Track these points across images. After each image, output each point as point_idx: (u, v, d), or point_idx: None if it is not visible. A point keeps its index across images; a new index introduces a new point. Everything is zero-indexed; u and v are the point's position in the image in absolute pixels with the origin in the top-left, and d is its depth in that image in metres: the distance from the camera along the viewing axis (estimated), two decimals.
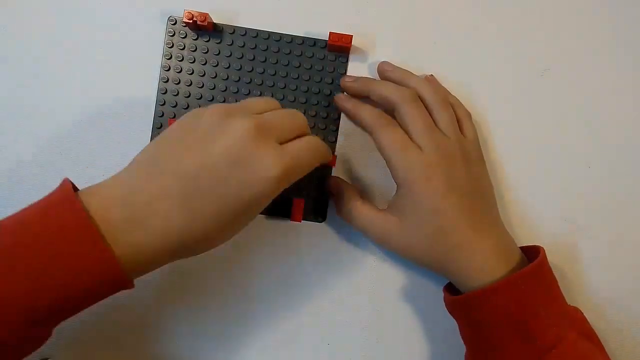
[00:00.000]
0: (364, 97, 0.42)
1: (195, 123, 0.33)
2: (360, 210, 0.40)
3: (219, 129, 0.32)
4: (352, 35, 0.41)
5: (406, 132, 0.38)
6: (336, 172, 0.43)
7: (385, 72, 0.42)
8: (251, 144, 0.31)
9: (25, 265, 0.28)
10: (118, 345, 0.42)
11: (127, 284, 0.31)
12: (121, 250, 0.30)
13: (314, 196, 0.43)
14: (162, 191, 0.31)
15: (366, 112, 0.40)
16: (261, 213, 0.42)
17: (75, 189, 0.32)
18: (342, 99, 0.42)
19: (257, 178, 0.31)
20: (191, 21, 0.40)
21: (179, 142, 0.32)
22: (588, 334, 0.37)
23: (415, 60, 0.43)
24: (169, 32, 0.42)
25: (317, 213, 0.43)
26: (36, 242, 0.29)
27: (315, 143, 0.36)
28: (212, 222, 0.32)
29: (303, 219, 0.42)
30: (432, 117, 0.39)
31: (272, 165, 0.32)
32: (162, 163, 0.32)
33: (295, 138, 0.35)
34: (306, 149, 0.35)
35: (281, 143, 0.33)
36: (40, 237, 0.29)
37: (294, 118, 0.35)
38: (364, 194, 0.42)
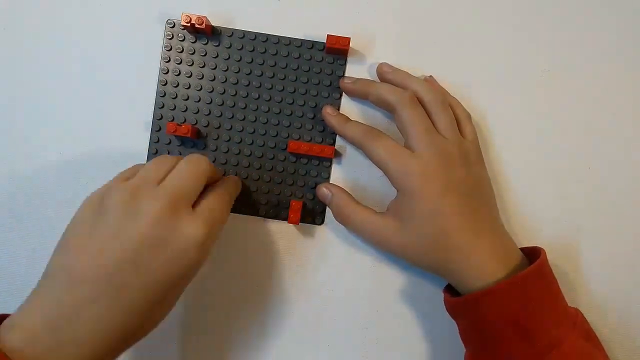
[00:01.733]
0: (363, 99, 0.42)
1: (100, 218, 0.31)
2: (359, 213, 0.40)
3: (130, 216, 0.31)
4: (349, 38, 0.40)
5: (404, 134, 0.39)
6: (335, 174, 0.43)
7: (384, 74, 0.42)
8: (168, 222, 0.31)
9: None
10: None
11: None
12: None
13: (312, 198, 0.43)
14: (86, 299, 0.30)
15: (352, 129, 0.40)
16: (259, 215, 0.43)
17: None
18: (328, 114, 0.42)
19: (183, 252, 0.31)
20: (189, 24, 0.40)
21: (89, 242, 0.31)
22: (588, 336, 0.37)
23: (415, 61, 0.43)
24: (168, 35, 0.42)
25: (315, 215, 0.43)
26: None
27: (223, 190, 0.35)
28: (145, 310, 0.31)
29: (301, 222, 0.42)
30: (431, 119, 0.39)
31: (194, 235, 0.31)
32: (79, 269, 0.30)
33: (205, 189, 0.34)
34: (219, 200, 0.34)
35: (193, 204, 0.33)
36: None
37: (197, 168, 0.34)
38: (364, 196, 0.42)
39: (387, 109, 0.40)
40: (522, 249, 0.39)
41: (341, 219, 0.41)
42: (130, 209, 0.31)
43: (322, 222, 0.43)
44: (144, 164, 0.35)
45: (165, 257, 0.31)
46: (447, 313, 0.40)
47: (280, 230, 0.43)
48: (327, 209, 0.43)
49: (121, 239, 0.30)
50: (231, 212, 0.43)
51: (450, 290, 0.40)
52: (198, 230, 0.31)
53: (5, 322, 0.30)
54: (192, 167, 0.34)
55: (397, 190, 0.38)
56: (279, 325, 0.43)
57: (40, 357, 0.29)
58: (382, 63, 0.42)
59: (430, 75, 0.43)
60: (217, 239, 0.34)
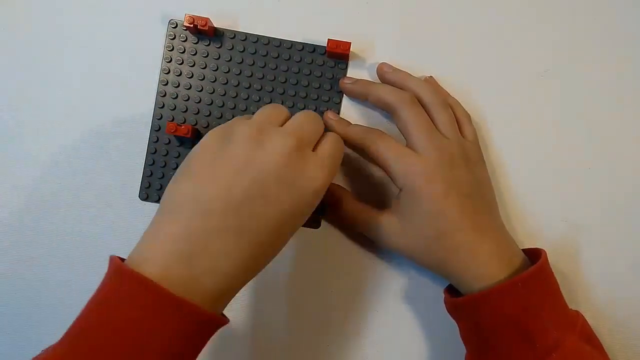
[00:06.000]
0: (363, 100, 0.42)
1: (227, 148, 0.32)
2: (361, 211, 0.40)
3: (259, 149, 0.32)
4: (350, 43, 0.41)
5: (405, 135, 0.39)
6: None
7: (384, 74, 0.42)
8: (296, 161, 0.32)
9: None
10: None
11: (221, 321, 0.32)
12: (200, 299, 0.29)
13: None
14: (216, 229, 0.30)
15: (354, 130, 0.40)
16: None
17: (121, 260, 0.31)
18: (329, 119, 0.42)
19: (305, 191, 0.33)
20: (192, 25, 0.40)
21: (217, 171, 0.31)
22: (589, 337, 0.37)
23: (415, 62, 0.43)
24: (170, 35, 0.42)
25: (312, 219, 0.43)
26: (127, 326, 0.28)
27: (336, 137, 0.36)
28: (268, 242, 0.32)
29: None
30: (431, 119, 0.39)
31: (317, 176, 0.33)
32: (207, 199, 0.31)
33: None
34: (334, 147, 0.35)
35: (313, 149, 0.34)
36: (128, 322, 0.28)
37: (315, 121, 0.36)
38: (365, 195, 0.42)
39: (387, 109, 0.40)
40: (523, 250, 0.39)
41: (344, 216, 0.41)
42: (258, 142, 0.32)
43: (319, 226, 0.43)
44: (259, 111, 0.35)
45: (290, 193, 0.32)
46: (448, 313, 0.39)
47: None
48: (324, 212, 0.43)
49: (250, 170, 0.31)
50: None
51: (451, 290, 0.39)
52: (320, 175, 0.33)
53: (133, 255, 0.30)
54: (310, 115, 0.36)
55: (400, 190, 0.38)
56: (278, 327, 0.43)
57: (177, 289, 0.28)
58: (382, 63, 0.43)
59: (431, 76, 0.43)
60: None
